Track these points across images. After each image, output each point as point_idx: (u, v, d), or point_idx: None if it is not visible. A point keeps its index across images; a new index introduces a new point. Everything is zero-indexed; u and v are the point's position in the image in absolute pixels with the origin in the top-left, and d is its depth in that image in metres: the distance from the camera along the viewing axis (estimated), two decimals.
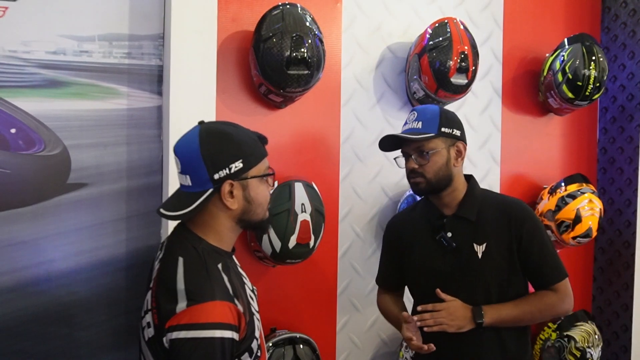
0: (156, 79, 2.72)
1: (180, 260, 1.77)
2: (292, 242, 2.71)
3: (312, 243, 2.77)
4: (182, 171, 1.83)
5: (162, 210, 1.84)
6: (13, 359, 2.50)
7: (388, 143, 2.51)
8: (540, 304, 2.41)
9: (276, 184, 2.80)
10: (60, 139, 2.53)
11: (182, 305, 1.68)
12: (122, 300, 2.67)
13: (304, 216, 2.74)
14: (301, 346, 2.85)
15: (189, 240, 1.83)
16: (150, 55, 2.70)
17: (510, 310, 2.37)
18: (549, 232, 3.35)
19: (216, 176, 1.77)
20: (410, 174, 2.44)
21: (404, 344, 3.16)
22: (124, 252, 2.67)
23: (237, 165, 1.78)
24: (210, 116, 2.65)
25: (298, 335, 2.88)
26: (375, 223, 3.23)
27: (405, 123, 2.49)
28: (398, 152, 2.51)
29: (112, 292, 2.66)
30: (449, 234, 2.43)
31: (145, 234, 2.69)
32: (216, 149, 1.78)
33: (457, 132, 2.43)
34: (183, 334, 1.66)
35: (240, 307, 1.76)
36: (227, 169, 1.78)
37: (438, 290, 2.36)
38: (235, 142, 1.81)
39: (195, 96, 2.66)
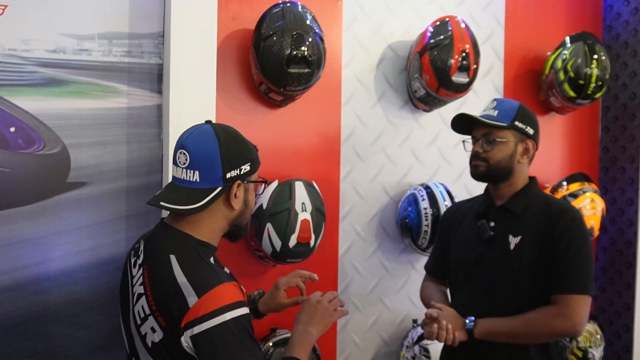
0: (156, 78, 2.71)
1: (172, 257, 1.75)
2: (293, 241, 2.70)
3: (312, 242, 2.77)
4: (190, 166, 1.81)
5: (166, 204, 1.80)
6: (13, 358, 2.49)
7: (460, 123, 2.52)
8: (536, 318, 2.29)
9: (276, 183, 2.79)
10: (59, 137, 2.53)
11: (192, 298, 1.67)
12: None
13: (304, 215, 2.74)
14: None
15: (175, 238, 1.81)
16: (150, 53, 2.70)
17: (505, 323, 2.31)
18: None
19: (228, 175, 1.79)
20: (473, 157, 2.46)
21: (405, 343, 3.16)
22: (124, 251, 2.65)
23: (246, 167, 1.83)
24: (210, 115, 2.63)
25: None
26: (376, 222, 3.23)
27: (484, 110, 2.51)
28: (466, 137, 2.55)
29: (112, 291, 2.62)
30: (492, 224, 2.44)
31: (144, 232, 2.67)
32: (233, 148, 1.82)
33: (530, 130, 2.43)
34: (205, 325, 1.64)
35: (243, 288, 1.80)
36: (238, 170, 1.81)
37: (432, 302, 2.41)
38: (246, 145, 1.86)
39: (195, 95, 2.66)
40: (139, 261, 1.85)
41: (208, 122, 1.88)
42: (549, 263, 2.32)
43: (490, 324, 2.32)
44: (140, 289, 1.80)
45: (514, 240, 2.38)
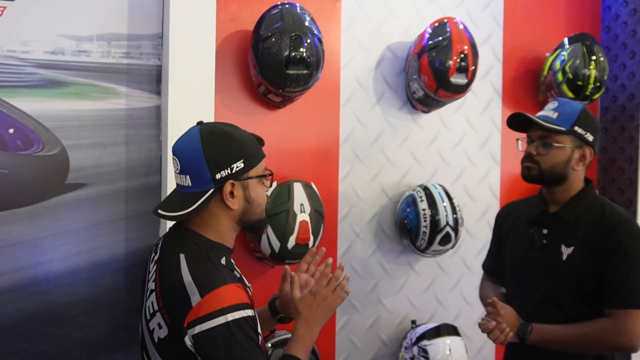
0: (155, 79, 2.71)
1: (182, 256, 1.76)
2: (291, 242, 2.71)
3: (311, 243, 2.77)
4: (181, 171, 1.82)
5: (160, 211, 1.83)
6: (13, 359, 2.49)
7: (517, 122, 2.45)
8: (592, 331, 2.24)
9: (275, 184, 2.79)
10: (58, 139, 2.53)
11: (195, 298, 1.67)
12: (122, 301, 2.66)
13: (303, 216, 2.74)
14: None
15: (188, 238, 1.82)
16: (149, 55, 2.70)
17: (558, 332, 2.27)
18: None
19: (218, 176, 1.77)
20: (526, 158, 2.39)
21: (404, 344, 3.16)
22: (122, 252, 2.67)
23: (239, 165, 1.79)
24: (209, 116, 2.65)
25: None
26: (375, 223, 3.23)
27: (543, 109, 2.43)
28: (521, 135, 2.48)
29: (111, 292, 2.66)
30: (545, 231, 2.39)
31: (144, 234, 2.68)
32: (218, 148, 1.78)
33: (589, 137, 2.33)
34: (206, 326, 1.64)
35: (249, 291, 1.78)
36: (228, 169, 1.78)
37: (495, 299, 2.31)
38: (236, 142, 1.80)
39: (194, 96, 2.66)
40: (155, 258, 1.87)
41: (199, 123, 1.86)
42: (601, 276, 2.25)
43: (544, 331, 2.26)
44: (152, 285, 1.82)
45: (566, 251, 2.32)
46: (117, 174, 2.66)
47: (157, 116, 2.72)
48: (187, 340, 1.67)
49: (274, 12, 2.72)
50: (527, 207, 2.55)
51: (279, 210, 2.72)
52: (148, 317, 1.81)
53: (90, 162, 2.60)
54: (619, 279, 2.22)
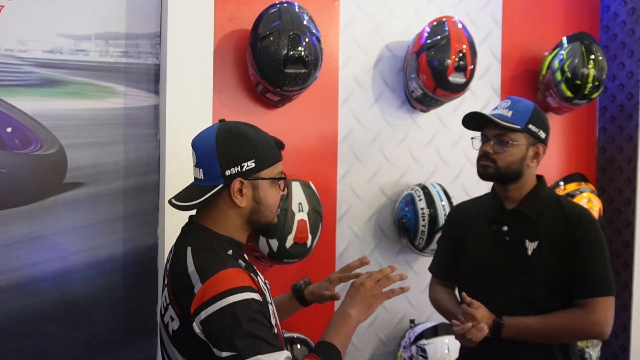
0: (153, 78, 2.71)
1: (189, 248, 1.79)
2: (290, 241, 2.70)
3: (309, 242, 2.77)
4: (197, 164, 1.86)
5: (172, 200, 1.88)
6: (10, 359, 2.49)
7: (472, 121, 2.47)
8: (565, 321, 2.28)
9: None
10: (56, 138, 2.53)
11: (198, 285, 1.69)
12: (120, 300, 2.66)
13: (301, 215, 2.74)
14: (299, 346, 2.84)
15: (197, 232, 1.85)
16: (147, 54, 2.70)
17: (532, 324, 2.28)
18: None
19: (227, 172, 1.80)
20: (482, 157, 2.40)
21: (402, 343, 3.16)
22: (121, 251, 2.66)
23: (249, 164, 1.81)
24: (207, 115, 2.65)
25: (295, 335, 2.87)
26: (374, 223, 3.23)
27: (496, 108, 2.45)
28: (475, 133, 2.49)
29: (109, 291, 2.65)
30: (505, 228, 2.39)
31: (142, 233, 2.68)
32: (231, 146, 1.81)
33: (542, 134, 2.38)
34: (210, 310, 1.65)
35: (254, 277, 1.79)
36: (238, 167, 1.80)
37: (464, 294, 2.31)
38: (250, 142, 1.83)
39: (192, 95, 2.66)
40: (171, 255, 1.90)
41: (221, 120, 1.90)
42: (569, 268, 2.29)
43: (518, 324, 2.28)
44: (165, 280, 1.86)
45: (531, 246, 2.34)
46: (115, 173, 2.65)
47: (155, 115, 2.71)
48: (196, 328, 1.68)
49: (272, 11, 2.72)
50: (480, 206, 2.56)
51: None
52: (162, 312, 1.84)
53: (88, 161, 2.59)
54: (587, 269, 2.28)
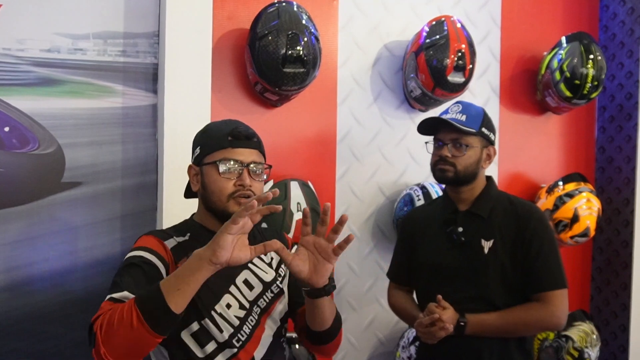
0: (151, 77, 2.72)
1: None
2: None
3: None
4: None
5: None
6: (8, 359, 2.49)
7: (426, 126, 2.52)
8: (525, 316, 2.37)
9: (271, 182, 2.79)
10: (54, 137, 2.54)
11: None
12: None
13: (299, 215, 2.73)
14: (297, 346, 2.83)
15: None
16: (145, 53, 2.70)
17: (494, 321, 2.36)
18: None
19: (190, 161, 1.96)
20: (440, 161, 2.45)
21: (401, 343, 3.14)
22: (119, 251, 2.66)
23: (197, 151, 1.92)
24: (205, 115, 2.65)
25: (294, 335, 2.84)
26: (372, 222, 3.22)
27: (447, 112, 2.50)
28: (428, 137, 2.55)
29: (107, 291, 2.62)
30: (460, 229, 2.44)
31: (140, 232, 2.54)
32: (195, 137, 1.97)
33: (492, 137, 2.49)
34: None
35: (166, 245, 1.84)
36: (193, 154, 1.94)
37: (439, 296, 2.35)
38: (203, 131, 1.95)
39: (190, 94, 2.66)
40: None
41: None
42: (523, 264, 2.37)
43: (480, 321, 2.35)
44: None
45: (487, 244, 2.40)
46: (113, 172, 2.66)
47: (154, 115, 2.72)
48: None
49: (271, 10, 2.71)
50: (433, 210, 2.62)
51: None
52: None
53: (86, 160, 2.61)
54: (541, 263, 2.36)
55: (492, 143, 2.49)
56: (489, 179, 2.54)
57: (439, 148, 2.46)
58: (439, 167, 2.45)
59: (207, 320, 1.79)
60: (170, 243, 1.85)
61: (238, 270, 1.87)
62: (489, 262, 2.39)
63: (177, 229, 1.91)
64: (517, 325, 2.37)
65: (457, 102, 2.52)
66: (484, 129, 2.44)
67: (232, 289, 1.85)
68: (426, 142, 2.54)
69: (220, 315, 1.81)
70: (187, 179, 1.95)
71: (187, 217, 1.99)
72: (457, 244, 2.44)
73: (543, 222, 2.45)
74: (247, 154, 1.86)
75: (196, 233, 1.88)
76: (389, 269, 2.76)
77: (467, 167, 2.42)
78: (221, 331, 1.80)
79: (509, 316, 2.36)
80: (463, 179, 2.43)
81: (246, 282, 1.87)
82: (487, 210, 2.45)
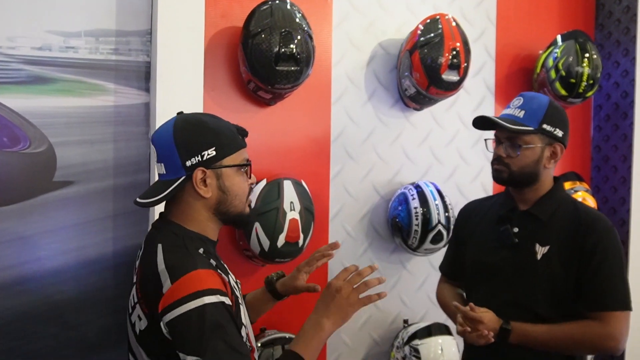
0: (143, 76, 2.69)
1: (159, 246, 1.74)
2: (281, 240, 2.68)
3: (301, 242, 2.75)
4: (158, 159, 1.83)
5: (137, 199, 1.84)
6: (1, 358, 2.48)
7: (483, 122, 2.36)
8: (577, 334, 2.16)
9: (264, 181, 2.78)
10: (45, 136, 2.51)
11: (167, 284, 1.64)
12: (110, 299, 2.65)
13: (292, 214, 2.72)
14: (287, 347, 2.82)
15: (168, 228, 1.81)
16: (137, 51, 2.68)
17: (542, 333, 2.17)
18: None
19: (188, 163, 1.76)
20: (495, 160, 2.31)
21: (395, 344, 3.15)
22: (111, 250, 2.65)
23: (210, 152, 1.77)
24: None
25: (287, 335, 2.84)
26: (367, 222, 3.21)
27: (508, 107, 2.34)
28: (489, 134, 2.41)
29: (99, 290, 2.64)
30: (515, 229, 2.30)
31: (132, 232, 2.67)
32: (189, 135, 1.77)
33: (559, 133, 2.26)
34: (177, 312, 1.61)
35: (225, 278, 1.75)
36: (199, 156, 1.76)
37: (472, 304, 2.20)
38: (210, 130, 1.79)
39: (183, 93, 2.65)
40: (140, 252, 1.85)
41: (179, 113, 1.87)
42: (580, 276, 2.18)
43: (526, 331, 2.17)
44: (134, 278, 1.82)
45: (541, 250, 2.24)
46: (105, 171, 2.64)
47: (146, 113, 2.70)
48: (163, 328, 1.64)
49: (264, 8, 2.70)
50: (492, 205, 2.48)
51: (268, 208, 2.69)
52: (130, 311, 1.80)
53: (78, 159, 2.58)
54: (602, 280, 2.16)
55: (558, 140, 2.26)
56: (557, 180, 2.37)
57: (497, 146, 2.32)
58: (494, 167, 2.32)
59: None
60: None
61: None
62: (540, 269, 2.22)
63: (197, 246, 1.78)
64: (565, 342, 2.18)
65: (520, 95, 2.34)
66: (545, 126, 2.23)
67: None
68: (485, 140, 2.41)
69: None
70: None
71: None
72: (509, 244, 2.29)
73: (609, 233, 2.22)
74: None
75: (206, 248, 1.81)
76: (442, 261, 2.70)
77: (523, 167, 2.24)
78: None
79: (559, 331, 2.17)
80: (520, 180, 2.28)
81: None
82: (548, 213, 2.27)
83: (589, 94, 3.40)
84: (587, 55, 3.33)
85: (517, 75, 3.58)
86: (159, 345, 1.69)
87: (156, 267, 1.70)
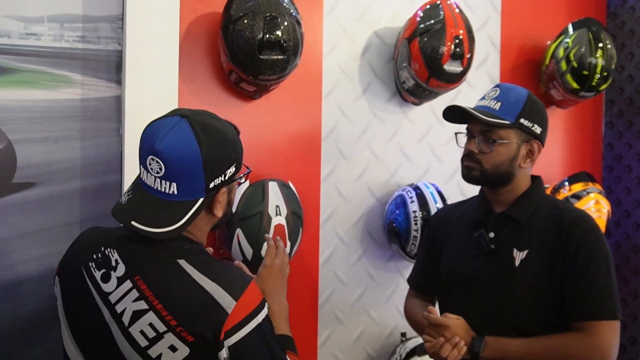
0: (114, 66, 2.60)
1: (183, 262, 1.61)
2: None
3: (288, 249, 2.65)
4: (166, 177, 1.60)
5: (139, 225, 1.61)
6: None
7: (453, 113, 2.25)
8: (559, 347, 2.04)
9: (247, 183, 2.68)
10: (4, 132, 2.42)
11: (229, 303, 1.56)
12: None
13: (278, 220, 2.62)
14: None
15: (167, 242, 1.64)
16: (107, 39, 2.59)
17: (519, 347, 2.05)
18: None
19: (212, 185, 1.64)
20: (466, 156, 2.20)
21: (392, 359, 3.06)
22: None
23: (231, 170, 1.68)
24: (173, 107, 2.47)
25: None
26: (361, 226, 3.13)
27: (483, 97, 2.25)
28: (461, 127, 2.28)
29: None
30: (491, 234, 2.20)
31: None
32: (217, 153, 1.63)
33: (537, 129, 2.17)
34: (242, 332, 1.56)
35: None
36: (223, 176, 1.66)
37: (431, 307, 2.13)
38: (230, 143, 1.68)
39: (157, 85, 2.56)
40: (118, 273, 1.65)
41: (184, 115, 1.64)
42: (563, 283, 2.07)
43: (502, 346, 2.07)
44: (137, 306, 1.61)
45: (519, 255, 2.12)
46: (72, 172, 2.55)
47: (117, 107, 2.61)
48: (223, 353, 1.55)
49: None
50: (466, 209, 2.39)
51: (251, 213, 2.59)
52: (146, 344, 1.59)
53: (40, 158, 2.49)
54: (585, 286, 2.05)
55: (536, 137, 2.17)
56: (535, 179, 2.27)
57: (468, 140, 2.22)
58: (464, 164, 2.21)
59: None
60: None
61: None
62: (519, 276, 2.12)
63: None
64: (548, 356, 2.05)
65: (497, 86, 2.25)
66: (523, 120, 2.14)
67: None
68: (456, 133, 2.30)
69: None
70: None
71: None
72: (485, 251, 2.19)
73: (594, 233, 2.12)
74: None
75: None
76: (410, 273, 2.61)
77: (496, 165, 2.14)
78: None
79: (538, 345, 2.05)
80: (492, 179, 2.18)
81: None
82: (525, 214, 2.17)
83: (603, 87, 3.31)
84: (600, 45, 3.24)
85: (524, 67, 3.52)
86: None
87: (200, 289, 1.58)
